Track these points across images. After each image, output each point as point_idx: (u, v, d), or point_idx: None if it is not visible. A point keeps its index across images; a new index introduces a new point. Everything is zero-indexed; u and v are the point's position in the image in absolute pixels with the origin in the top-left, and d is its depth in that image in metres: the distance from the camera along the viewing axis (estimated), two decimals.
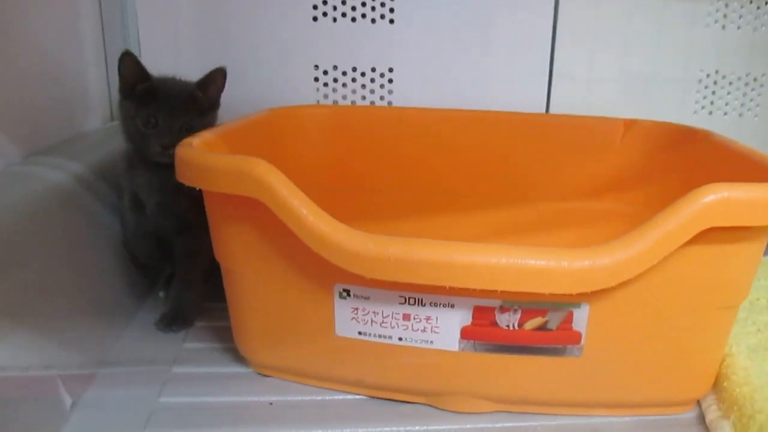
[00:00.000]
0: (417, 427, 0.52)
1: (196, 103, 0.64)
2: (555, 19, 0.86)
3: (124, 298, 0.69)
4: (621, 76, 0.89)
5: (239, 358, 0.60)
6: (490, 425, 0.52)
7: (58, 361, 0.54)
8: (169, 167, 0.62)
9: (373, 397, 0.55)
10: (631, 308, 0.47)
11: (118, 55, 0.84)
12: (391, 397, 0.55)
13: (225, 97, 0.87)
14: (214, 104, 0.68)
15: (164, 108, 0.62)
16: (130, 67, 0.63)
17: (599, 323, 0.48)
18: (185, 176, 0.51)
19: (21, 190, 0.57)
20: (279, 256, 0.51)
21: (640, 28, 0.87)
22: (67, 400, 0.52)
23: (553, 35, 0.86)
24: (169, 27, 0.86)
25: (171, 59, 0.86)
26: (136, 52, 0.84)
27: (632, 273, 0.43)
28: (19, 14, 0.66)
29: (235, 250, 0.53)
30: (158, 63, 0.87)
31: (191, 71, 0.87)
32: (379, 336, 0.51)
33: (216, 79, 0.66)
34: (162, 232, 0.68)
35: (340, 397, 0.56)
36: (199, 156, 0.50)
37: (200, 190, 0.52)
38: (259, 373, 0.59)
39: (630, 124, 0.73)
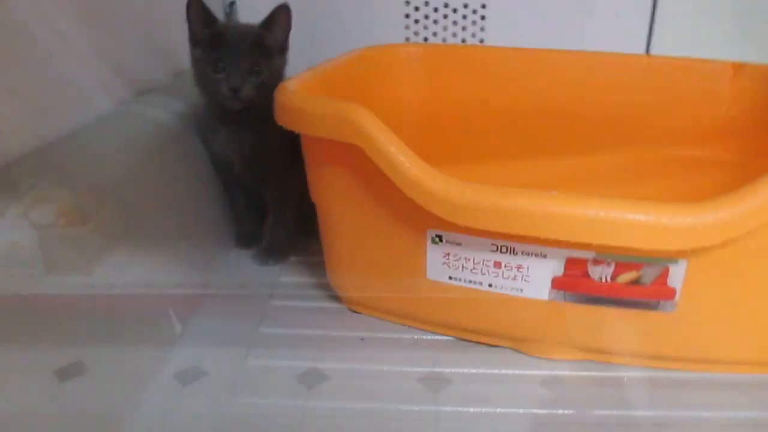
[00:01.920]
0: (504, 371, 0.53)
1: (262, 44, 0.63)
2: None
3: (224, 231, 0.73)
4: (731, 12, 0.83)
5: (332, 293, 0.63)
6: (575, 373, 0.53)
7: (166, 282, 0.58)
8: (248, 120, 0.64)
9: (462, 339, 0.57)
10: (731, 266, 0.46)
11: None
12: (479, 340, 0.56)
13: (314, 35, 0.88)
14: (283, 46, 0.66)
15: (230, 51, 0.62)
16: (197, 12, 0.62)
17: (696, 280, 0.47)
18: (284, 120, 0.52)
19: (132, 127, 0.61)
20: (374, 200, 0.52)
21: None
22: (177, 326, 0.57)
23: None
24: None
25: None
26: None
27: (736, 232, 0.42)
28: None
29: (331, 192, 0.55)
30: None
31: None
32: (470, 282, 0.52)
33: (279, 16, 0.64)
34: (250, 184, 0.70)
35: (429, 336, 0.58)
36: (299, 100, 0.51)
37: (288, 136, 0.53)
38: (351, 310, 0.61)
39: (739, 68, 0.68)
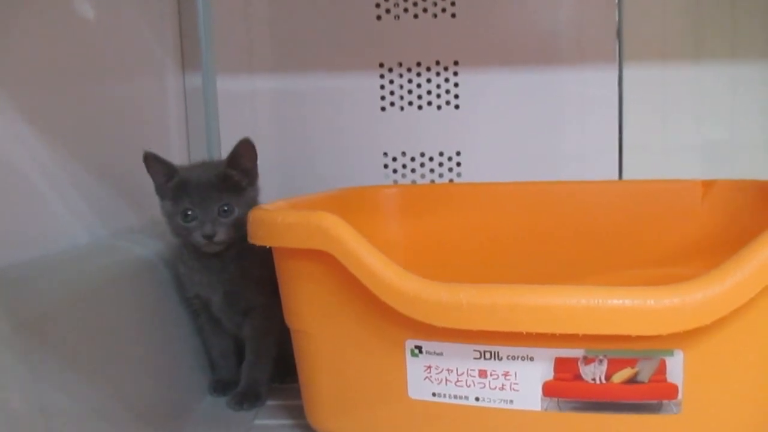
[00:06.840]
0: None
1: (229, 181, 0.63)
2: (620, 91, 0.86)
3: (197, 376, 0.68)
4: (696, 144, 0.87)
5: None
6: None
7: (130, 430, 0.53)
8: (226, 257, 0.64)
9: None
10: (733, 354, 0.43)
11: (201, 149, 0.90)
12: None
13: (294, 185, 0.90)
14: (252, 177, 0.66)
15: (197, 198, 0.62)
16: (155, 166, 0.63)
17: (698, 373, 0.43)
18: (257, 236, 0.51)
19: (106, 259, 0.59)
20: (349, 312, 0.50)
21: (713, 93, 0.85)
22: None
23: (620, 107, 0.86)
24: (251, 125, 0.91)
25: None
26: (215, 142, 0.89)
27: (728, 309, 0.40)
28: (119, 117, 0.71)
29: (306, 308, 0.53)
30: None
31: (271, 162, 0.88)
32: (455, 397, 0.48)
33: (242, 150, 0.64)
34: (228, 323, 0.68)
35: None
36: (270, 214, 0.51)
37: (267, 269, 0.52)
38: None
39: (709, 185, 0.70)
